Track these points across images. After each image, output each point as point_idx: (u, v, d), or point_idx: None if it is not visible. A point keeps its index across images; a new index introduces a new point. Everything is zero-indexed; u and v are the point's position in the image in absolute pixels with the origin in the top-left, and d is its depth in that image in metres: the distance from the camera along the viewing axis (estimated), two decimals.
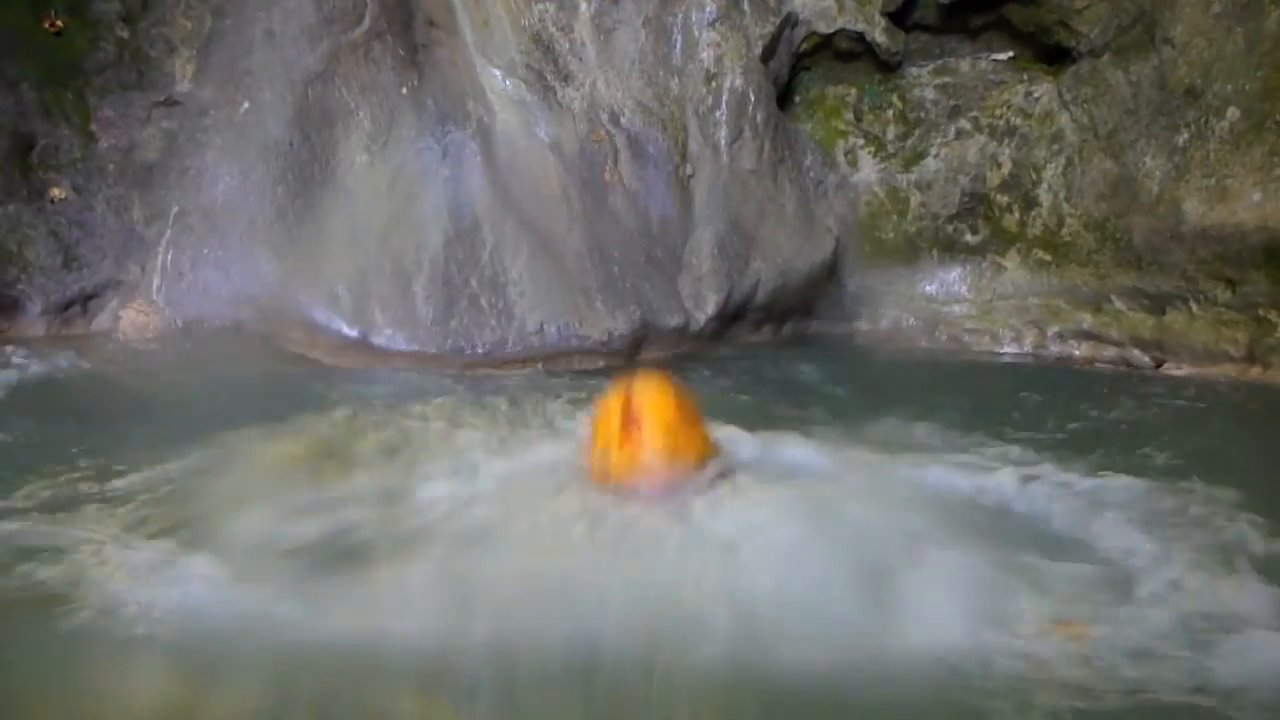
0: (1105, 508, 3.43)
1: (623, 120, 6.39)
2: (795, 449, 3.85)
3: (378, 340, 5.66)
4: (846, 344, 6.84)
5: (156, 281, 5.63)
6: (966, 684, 2.26)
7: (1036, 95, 6.86)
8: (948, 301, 6.94)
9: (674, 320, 6.09)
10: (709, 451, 2.90)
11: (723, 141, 6.53)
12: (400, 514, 3.19)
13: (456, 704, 2.27)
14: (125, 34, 5.94)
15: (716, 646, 2.38)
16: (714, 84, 6.57)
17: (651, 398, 2.74)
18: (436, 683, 2.29)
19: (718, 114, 6.55)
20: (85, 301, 5.57)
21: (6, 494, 3.27)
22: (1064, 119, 6.72)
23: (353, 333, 5.67)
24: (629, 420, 2.63)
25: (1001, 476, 3.70)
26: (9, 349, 5.05)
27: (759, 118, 6.65)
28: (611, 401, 2.81)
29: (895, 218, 7.04)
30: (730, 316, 6.42)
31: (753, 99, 6.62)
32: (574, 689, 2.27)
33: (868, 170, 7.12)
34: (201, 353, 5.40)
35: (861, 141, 7.17)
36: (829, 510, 3.15)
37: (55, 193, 5.62)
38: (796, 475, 3.55)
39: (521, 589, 2.62)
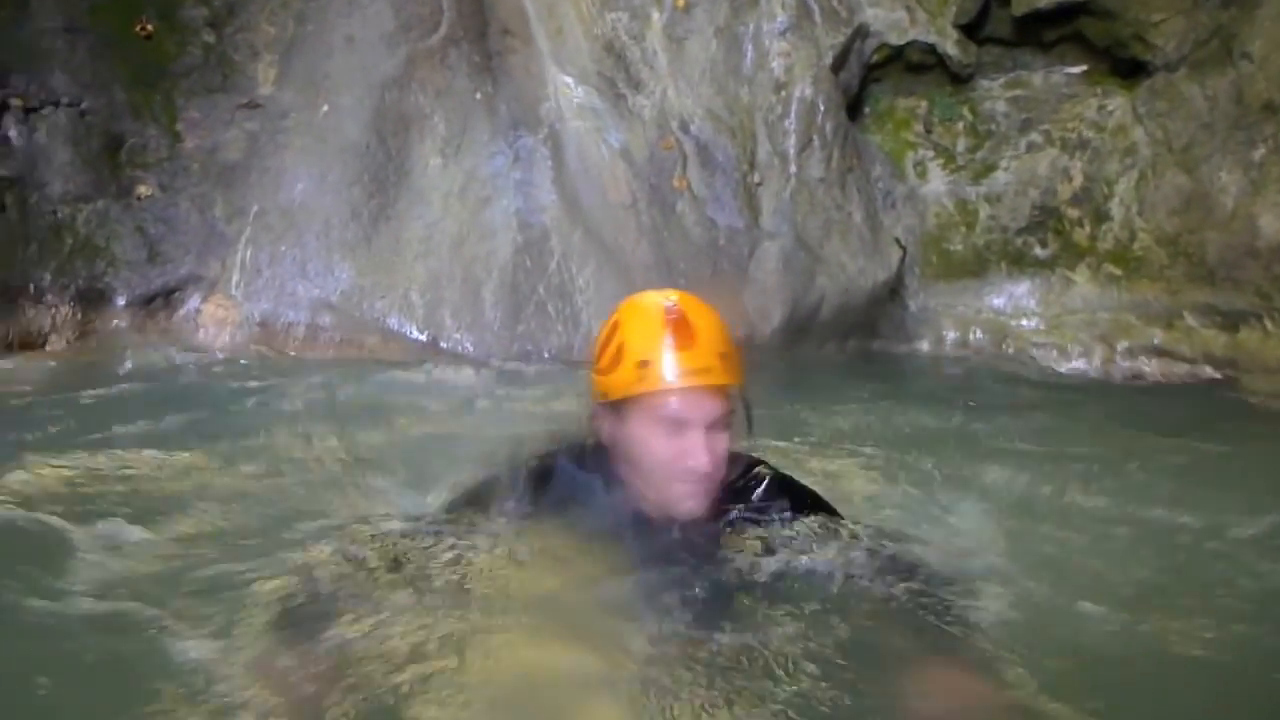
0: None
1: (692, 128, 6.44)
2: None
3: (446, 344, 5.78)
4: (912, 358, 6.81)
5: (236, 278, 5.80)
6: None
7: (1110, 109, 6.81)
8: (1016, 316, 6.88)
9: (738, 333, 6.11)
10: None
11: (791, 150, 6.55)
12: None
13: None
14: (211, 39, 6.15)
15: None
16: (783, 93, 6.61)
17: (697, 302, 2.22)
18: None
19: (786, 123, 6.58)
20: (168, 295, 5.75)
21: None
22: (1138, 133, 6.65)
23: (423, 337, 5.80)
24: (679, 321, 2.12)
25: None
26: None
27: (828, 127, 6.67)
28: (640, 304, 2.22)
29: (964, 230, 7.01)
30: (795, 330, 6.43)
31: (822, 108, 6.65)
32: None
33: (937, 182, 7.10)
34: None
35: (931, 153, 7.15)
36: None
37: (142, 190, 5.82)
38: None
39: None
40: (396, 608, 2.12)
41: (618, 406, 2.18)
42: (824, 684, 1.97)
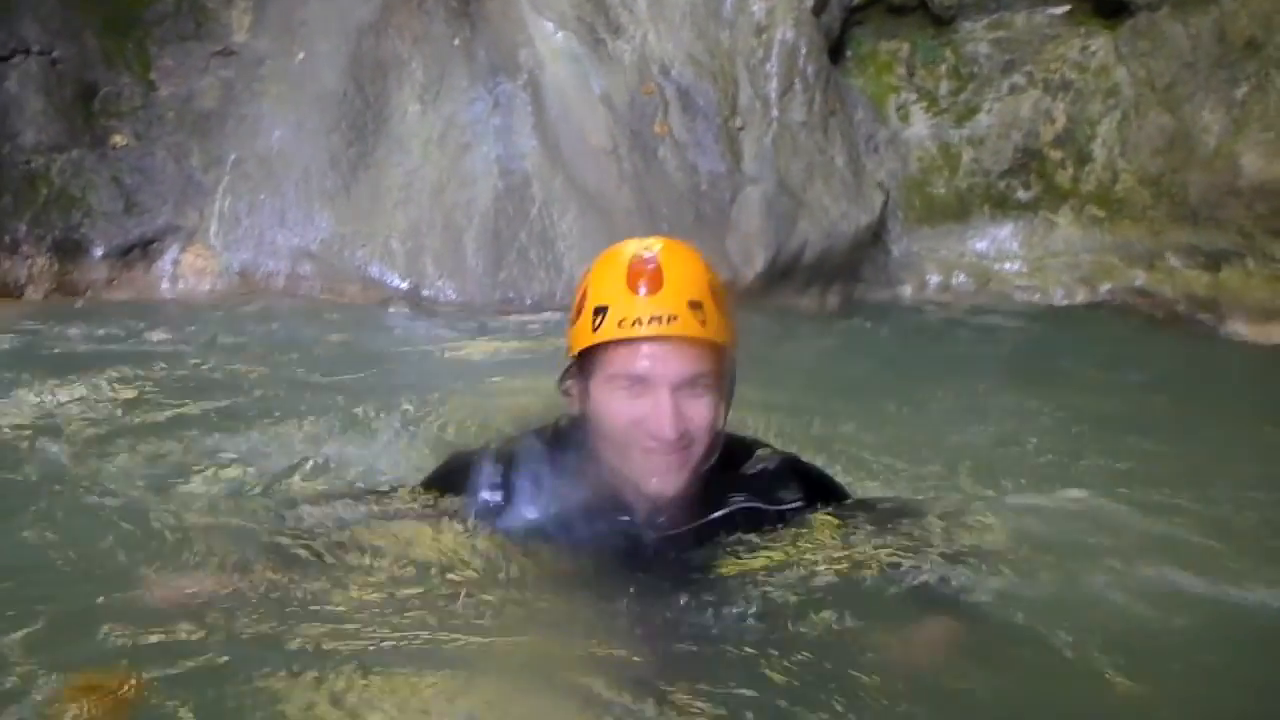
0: None
1: (673, 73, 6.38)
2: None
3: (427, 292, 5.75)
4: (895, 302, 6.81)
5: (214, 227, 5.76)
6: None
7: (1093, 49, 6.77)
8: (999, 259, 6.88)
9: (721, 277, 6.09)
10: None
11: (773, 94, 6.50)
12: None
13: None
14: None
15: None
16: (765, 36, 6.55)
17: (681, 248, 1.99)
18: None
19: (768, 67, 6.52)
20: (145, 246, 5.70)
21: None
22: (1120, 73, 6.62)
23: (404, 285, 5.77)
24: (642, 261, 1.87)
25: None
26: None
27: (809, 71, 6.62)
28: (612, 250, 1.97)
29: (946, 174, 6.99)
30: (778, 275, 6.41)
31: (803, 52, 6.59)
32: None
33: (919, 126, 7.07)
34: None
35: (914, 97, 7.11)
36: None
37: (117, 139, 5.76)
38: None
39: None
40: (336, 585, 1.98)
41: (581, 364, 1.95)
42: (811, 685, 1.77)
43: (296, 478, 2.88)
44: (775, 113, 6.51)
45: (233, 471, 2.91)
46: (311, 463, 2.99)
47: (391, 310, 5.56)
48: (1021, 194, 6.88)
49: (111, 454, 3.00)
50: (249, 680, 1.70)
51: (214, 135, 5.91)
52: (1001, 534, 2.32)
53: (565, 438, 2.06)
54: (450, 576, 2.00)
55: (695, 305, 1.86)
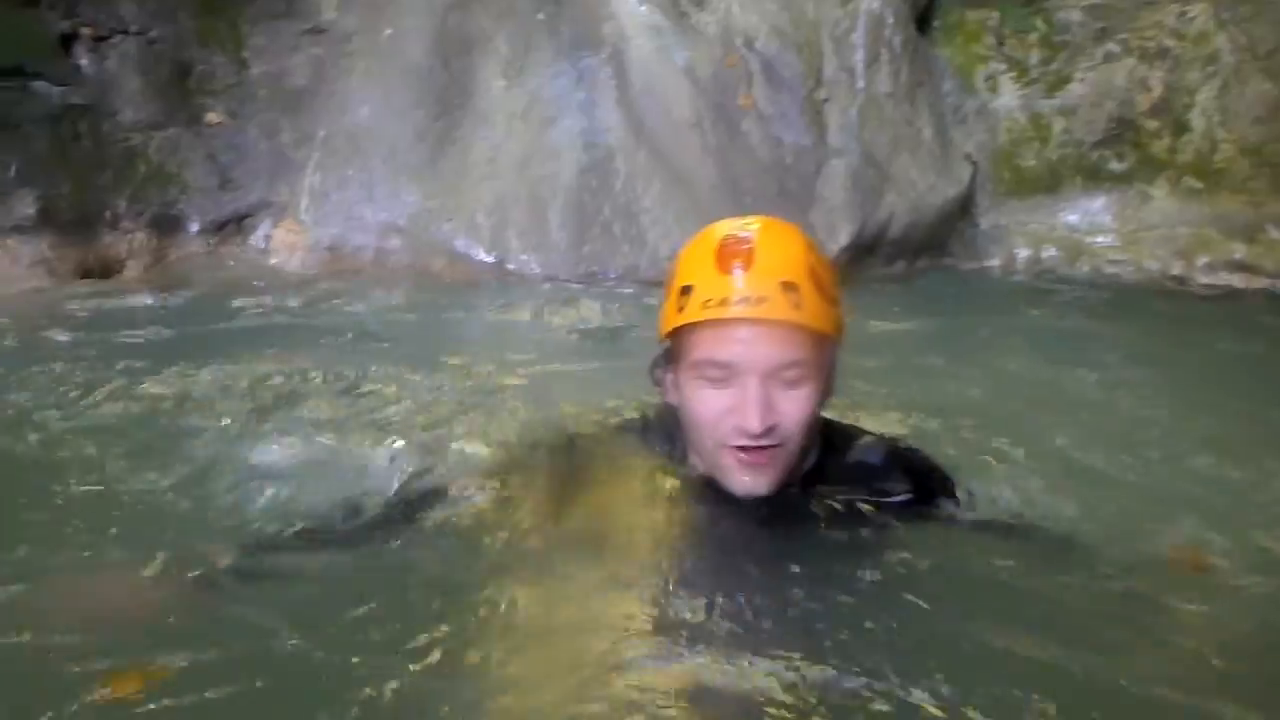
0: None
1: (757, 44, 6.33)
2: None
3: (512, 265, 5.80)
4: (982, 276, 6.69)
5: (304, 203, 5.86)
6: None
7: (1191, 15, 6.56)
8: (1090, 232, 6.71)
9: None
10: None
11: (859, 65, 6.42)
12: None
13: None
14: None
15: None
16: (850, 6, 6.46)
17: (781, 226, 1.83)
18: None
19: (854, 37, 6.44)
20: (239, 221, 5.83)
21: None
22: (1220, 39, 6.41)
23: (490, 258, 5.82)
24: (735, 239, 1.72)
25: None
26: None
27: (896, 41, 6.52)
28: (708, 228, 1.83)
29: (1037, 145, 6.84)
30: (863, 249, 6.34)
31: (890, 22, 6.49)
32: None
33: (1009, 96, 6.91)
34: None
35: (1003, 67, 6.95)
36: None
37: (211, 117, 5.88)
38: None
39: None
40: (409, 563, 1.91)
41: (672, 349, 1.83)
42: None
43: (383, 456, 2.82)
44: (861, 84, 6.42)
45: (315, 449, 2.90)
46: (400, 440, 2.95)
47: (477, 283, 5.61)
48: (1115, 165, 6.71)
49: (199, 429, 3.05)
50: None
51: (304, 112, 6.01)
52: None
53: (654, 430, 1.97)
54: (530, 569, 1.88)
55: (789, 287, 1.70)
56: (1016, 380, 4.05)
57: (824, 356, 1.79)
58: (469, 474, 2.19)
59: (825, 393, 1.83)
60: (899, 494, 1.93)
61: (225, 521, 2.31)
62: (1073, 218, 6.75)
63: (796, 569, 1.82)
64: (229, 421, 3.11)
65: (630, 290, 5.42)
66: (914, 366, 4.17)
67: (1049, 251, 6.72)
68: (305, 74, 6.07)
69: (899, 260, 6.59)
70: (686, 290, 1.75)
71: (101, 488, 2.55)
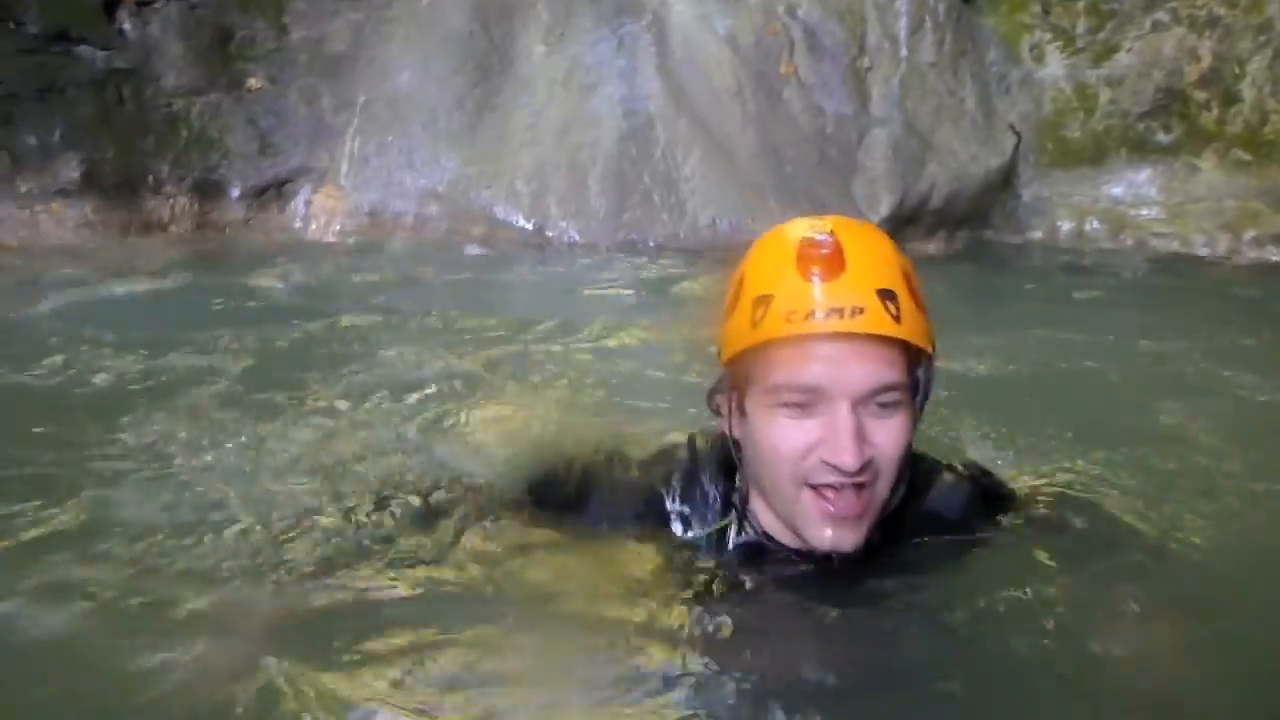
0: None
1: (799, 12, 6.26)
2: None
3: (551, 233, 5.78)
4: (1025, 249, 6.61)
5: (344, 168, 5.87)
6: None
7: None
8: (1135, 205, 6.61)
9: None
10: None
11: (902, 33, 6.34)
12: None
13: None
14: None
15: None
16: None
17: (862, 227, 1.59)
18: None
19: (897, 5, 6.35)
20: (280, 187, 5.86)
21: None
22: (1272, 8, 6.28)
23: (529, 225, 5.81)
24: (819, 243, 1.45)
25: None
26: None
27: (940, 9, 6.43)
28: (778, 229, 1.56)
29: (1082, 116, 6.73)
30: (904, 219, 6.28)
31: None
32: None
33: (1054, 66, 6.80)
34: None
35: (1049, 36, 6.84)
36: None
37: (252, 83, 5.90)
38: None
39: None
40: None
41: (738, 371, 1.54)
42: None
43: (415, 430, 2.80)
44: (904, 53, 6.35)
45: (346, 421, 2.87)
46: (434, 415, 2.93)
47: (516, 250, 5.60)
48: (1162, 136, 6.59)
49: (237, 396, 3.08)
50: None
51: (344, 77, 6.01)
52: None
53: (707, 466, 1.69)
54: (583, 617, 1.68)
55: (887, 295, 1.45)
56: (1054, 354, 3.98)
57: (919, 375, 1.53)
58: (494, 497, 1.92)
59: (917, 418, 1.56)
60: (985, 529, 1.71)
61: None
62: (1117, 190, 6.65)
63: (885, 650, 1.59)
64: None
65: (669, 259, 5.39)
66: (954, 339, 4.11)
67: (1092, 224, 6.63)
68: (345, 39, 6.06)
69: (940, 231, 6.52)
70: (763, 301, 1.46)
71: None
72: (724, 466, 1.67)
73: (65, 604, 1.74)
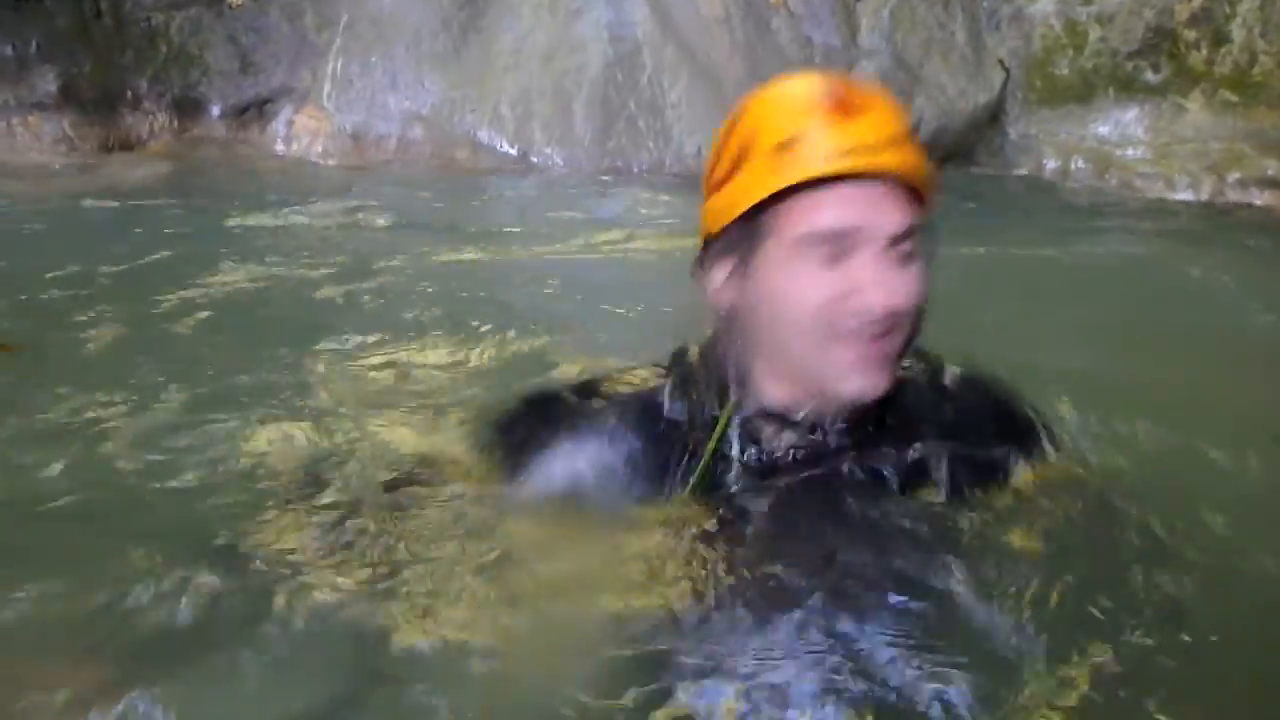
0: None
1: None
2: None
3: (535, 159, 5.75)
4: (1008, 186, 6.60)
5: (327, 89, 5.80)
6: None
7: None
8: (1121, 144, 6.60)
9: None
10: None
11: None
12: None
13: None
14: None
15: None
16: None
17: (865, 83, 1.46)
18: None
19: None
20: (261, 106, 5.79)
21: None
22: None
23: (513, 151, 5.77)
24: (838, 86, 1.38)
25: None
26: None
27: None
28: (773, 87, 1.44)
29: (1071, 53, 6.69)
30: None
31: None
32: None
33: (1045, 2, 6.74)
34: None
35: None
36: None
37: None
38: None
39: None
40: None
41: (744, 233, 1.41)
42: None
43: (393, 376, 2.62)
44: None
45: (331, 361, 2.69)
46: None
47: (500, 175, 5.57)
48: (1150, 76, 6.57)
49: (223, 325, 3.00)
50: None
51: None
52: None
53: (698, 379, 1.53)
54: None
55: (911, 135, 1.38)
56: (1031, 278, 3.99)
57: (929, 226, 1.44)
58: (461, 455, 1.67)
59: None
60: (1001, 442, 1.57)
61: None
62: (1104, 129, 6.64)
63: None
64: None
65: (656, 183, 5.36)
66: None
67: (1078, 163, 6.62)
68: None
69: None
70: (786, 146, 1.34)
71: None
72: (716, 370, 1.52)
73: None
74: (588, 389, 1.59)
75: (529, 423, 1.58)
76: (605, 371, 1.63)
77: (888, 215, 1.34)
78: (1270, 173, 6.17)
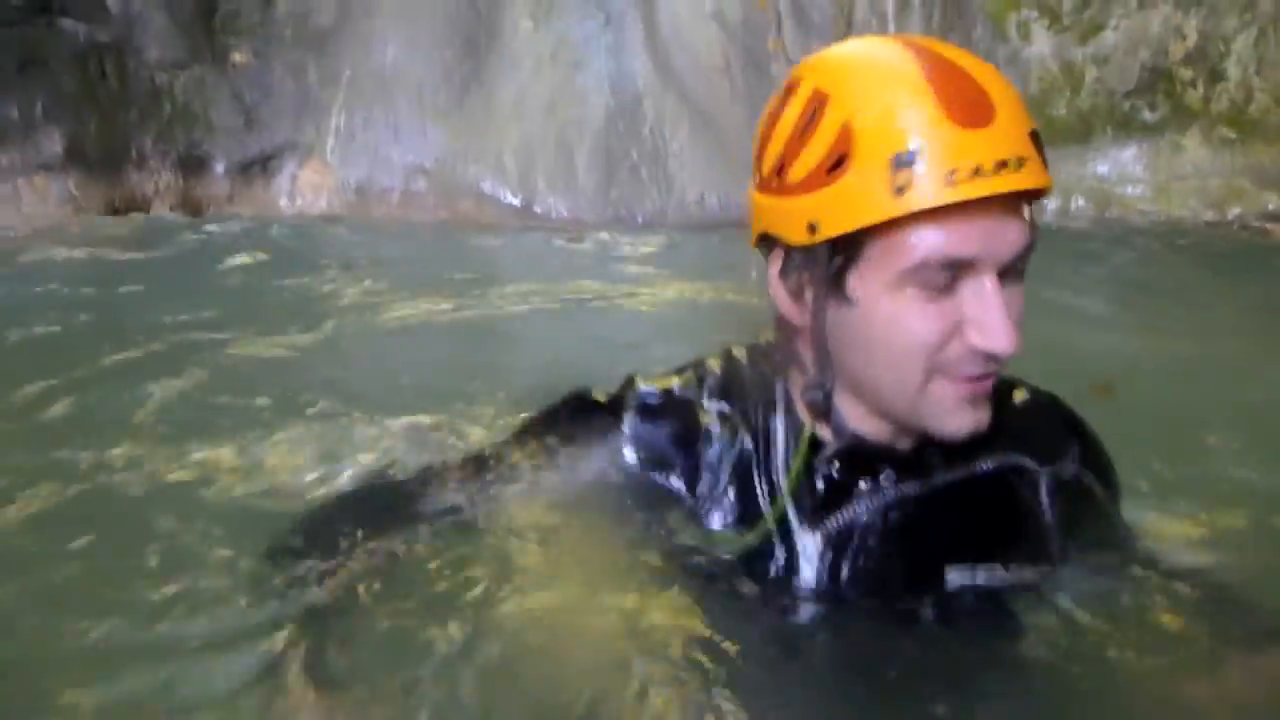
0: None
1: None
2: None
3: (539, 209, 5.77)
4: None
5: (330, 143, 5.83)
6: None
7: None
8: (1120, 182, 6.64)
9: None
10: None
11: (889, 9, 6.34)
12: None
13: None
14: None
15: None
16: None
17: (965, 52, 1.26)
18: None
19: None
20: (265, 162, 5.81)
21: None
22: None
23: (516, 201, 5.79)
24: (959, 78, 1.18)
25: None
26: None
27: None
28: (856, 55, 1.27)
29: (1068, 94, 6.74)
30: None
31: None
32: None
33: (1041, 44, 6.80)
34: None
35: (1035, 13, 6.84)
36: None
37: (237, 57, 5.84)
38: None
39: None
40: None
41: (837, 247, 1.22)
42: None
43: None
44: (891, 28, 6.34)
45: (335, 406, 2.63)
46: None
47: (504, 226, 5.59)
48: (1147, 115, 6.62)
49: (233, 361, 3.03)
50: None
51: (330, 52, 5.96)
52: None
53: (783, 359, 1.39)
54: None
55: (1035, 137, 1.20)
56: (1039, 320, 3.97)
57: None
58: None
59: None
60: (1069, 464, 1.45)
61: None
62: (1103, 168, 6.67)
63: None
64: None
65: (660, 231, 5.38)
66: None
67: (1078, 202, 6.65)
68: (331, 13, 6.01)
69: None
70: (905, 161, 1.14)
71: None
72: (793, 361, 1.38)
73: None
74: (623, 389, 1.47)
75: (570, 417, 1.49)
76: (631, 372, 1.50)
77: (1008, 238, 1.18)
78: (1270, 207, 6.20)
